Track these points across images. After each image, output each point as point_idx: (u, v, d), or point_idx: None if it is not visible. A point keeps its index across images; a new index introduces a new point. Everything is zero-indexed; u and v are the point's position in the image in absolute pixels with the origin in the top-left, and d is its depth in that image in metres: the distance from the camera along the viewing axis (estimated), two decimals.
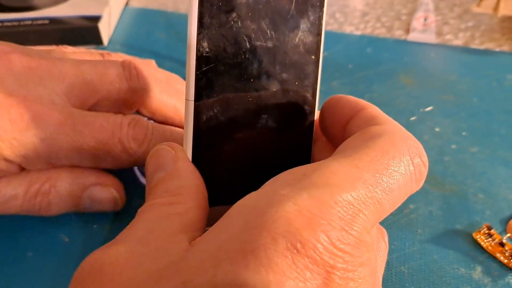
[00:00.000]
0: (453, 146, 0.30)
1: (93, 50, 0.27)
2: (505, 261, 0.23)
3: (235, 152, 0.19)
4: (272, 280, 0.12)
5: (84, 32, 0.39)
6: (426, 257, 0.23)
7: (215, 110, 0.19)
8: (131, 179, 0.27)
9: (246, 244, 0.12)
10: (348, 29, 0.43)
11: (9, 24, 0.38)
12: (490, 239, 0.24)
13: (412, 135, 0.17)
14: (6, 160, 0.20)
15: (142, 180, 0.26)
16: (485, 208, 0.26)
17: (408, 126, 0.32)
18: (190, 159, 0.18)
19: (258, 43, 0.19)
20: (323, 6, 0.20)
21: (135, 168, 0.27)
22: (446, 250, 0.24)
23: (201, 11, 0.18)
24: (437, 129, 0.32)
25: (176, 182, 0.17)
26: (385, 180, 0.15)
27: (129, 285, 0.13)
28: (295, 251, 0.12)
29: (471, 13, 0.46)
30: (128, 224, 0.25)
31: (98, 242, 0.24)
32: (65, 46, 0.27)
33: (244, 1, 0.19)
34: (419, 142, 0.17)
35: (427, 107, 0.34)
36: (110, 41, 0.41)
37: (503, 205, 0.26)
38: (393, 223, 0.25)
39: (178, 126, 0.25)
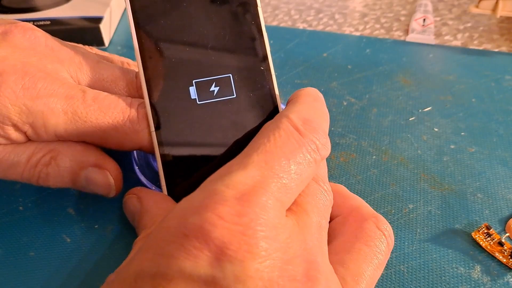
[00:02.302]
0: (452, 146, 0.30)
1: (115, 56, 0.27)
2: (504, 260, 0.23)
3: (204, 170, 0.21)
4: (162, 264, 0.13)
5: (85, 33, 0.39)
6: (425, 257, 0.23)
7: (175, 136, 0.20)
8: (132, 179, 0.27)
9: (152, 242, 0.15)
10: (347, 30, 0.43)
11: None
12: (489, 238, 0.24)
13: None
14: (14, 126, 0.21)
15: (143, 179, 0.27)
16: (484, 208, 0.26)
17: (407, 126, 0.32)
18: (165, 181, 0.20)
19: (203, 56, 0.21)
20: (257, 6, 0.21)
21: (136, 168, 0.27)
22: (445, 249, 0.24)
23: (142, 52, 0.21)
24: (436, 129, 0.32)
25: (146, 217, 0.20)
26: (274, 157, 0.16)
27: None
28: (182, 236, 0.14)
29: (469, 14, 0.46)
30: (128, 224, 0.25)
31: (99, 242, 0.24)
32: (90, 47, 0.28)
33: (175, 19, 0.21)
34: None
35: (426, 107, 0.34)
36: (111, 42, 0.41)
37: (502, 205, 0.26)
38: (392, 223, 0.25)
39: None
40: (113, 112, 0.21)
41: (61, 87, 0.21)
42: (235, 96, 0.21)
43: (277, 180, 0.16)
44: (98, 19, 0.39)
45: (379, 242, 0.18)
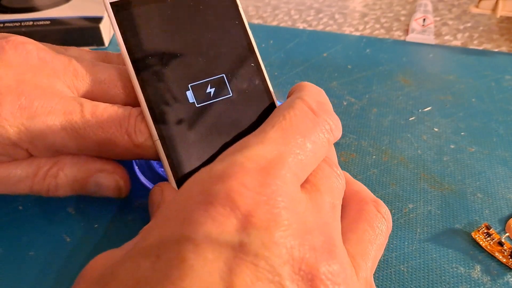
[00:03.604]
0: (452, 146, 0.30)
1: (115, 55, 0.27)
2: (504, 260, 0.23)
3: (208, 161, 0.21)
4: (188, 231, 0.14)
5: (85, 32, 0.39)
6: (425, 256, 0.23)
7: (179, 141, 0.21)
8: (132, 179, 0.27)
9: (173, 211, 0.15)
10: (347, 30, 0.43)
11: (10, 25, 0.38)
12: (489, 238, 0.24)
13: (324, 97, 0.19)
14: (15, 145, 0.21)
15: (143, 179, 0.27)
16: (483, 208, 0.26)
17: (407, 126, 0.32)
18: (176, 185, 0.20)
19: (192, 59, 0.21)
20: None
21: (136, 168, 0.27)
22: (445, 249, 0.24)
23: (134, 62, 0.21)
24: (435, 129, 0.32)
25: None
26: (290, 134, 0.17)
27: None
28: (209, 203, 0.14)
29: (469, 14, 0.46)
30: (128, 223, 0.25)
31: (99, 242, 0.24)
32: (86, 49, 0.28)
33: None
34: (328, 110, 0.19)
35: (426, 107, 0.34)
36: (111, 42, 0.41)
37: (502, 205, 0.26)
38: (392, 222, 0.25)
39: None
40: (111, 127, 0.21)
41: (58, 103, 0.21)
42: (231, 95, 0.21)
43: (294, 155, 0.16)
44: (98, 19, 0.39)
45: (380, 224, 0.19)
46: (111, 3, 0.21)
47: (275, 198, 0.14)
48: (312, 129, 0.18)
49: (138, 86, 0.21)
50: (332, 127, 0.18)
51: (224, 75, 0.21)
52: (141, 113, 0.22)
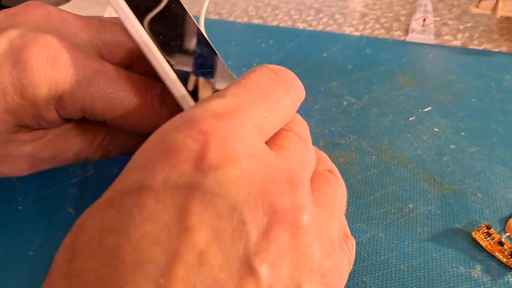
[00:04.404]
0: (452, 146, 0.30)
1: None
2: (504, 260, 0.23)
3: None
4: (145, 177, 0.14)
5: None
6: (425, 256, 0.23)
7: None
8: None
9: (134, 160, 0.15)
10: (347, 30, 0.43)
11: None
12: (489, 238, 0.24)
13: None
14: (46, 103, 0.20)
15: None
16: (484, 207, 0.26)
17: (407, 126, 0.32)
18: None
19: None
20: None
21: None
22: (445, 249, 0.24)
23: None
24: (435, 129, 0.32)
25: None
26: (250, 89, 0.17)
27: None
28: (166, 150, 0.14)
29: (469, 14, 0.46)
30: None
31: None
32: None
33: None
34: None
35: (426, 107, 0.34)
36: None
37: (502, 204, 0.26)
38: (392, 222, 0.25)
39: None
40: (137, 91, 0.21)
41: (87, 58, 0.20)
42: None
43: (254, 107, 0.16)
44: None
45: (337, 186, 0.19)
46: None
47: (232, 140, 0.14)
48: (273, 86, 0.17)
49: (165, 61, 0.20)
50: (294, 86, 0.18)
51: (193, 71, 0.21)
52: (165, 88, 0.22)
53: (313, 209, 0.15)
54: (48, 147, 0.22)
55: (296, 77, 0.19)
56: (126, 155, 0.24)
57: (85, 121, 0.23)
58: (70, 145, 0.23)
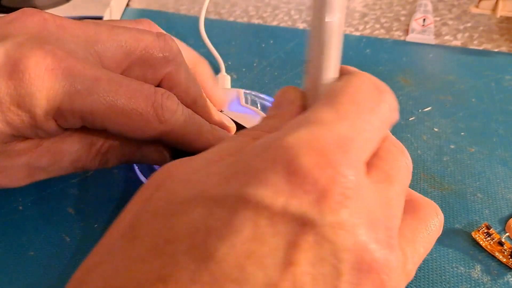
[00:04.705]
0: (452, 146, 0.30)
1: (127, 20, 0.27)
2: (504, 260, 0.23)
3: None
4: (267, 195, 0.13)
5: None
6: (425, 256, 0.23)
7: None
8: (132, 179, 0.27)
9: (250, 167, 0.14)
10: (347, 30, 0.43)
11: None
12: (489, 238, 0.24)
13: (383, 83, 0.18)
14: (45, 113, 0.20)
15: (143, 179, 0.27)
16: (483, 208, 0.26)
17: (407, 126, 0.32)
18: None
19: None
20: None
21: (135, 166, 0.27)
22: (445, 249, 0.24)
23: None
24: (435, 129, 0.32)
25: (271, 122, 0.18)
26: (366, 111, 0.16)
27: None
28: (292, 173, 0.13)
29: (469, 14, 0.46)
30: None
31: (98, 241, 0.24)
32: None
33: None
34: (377, 79, 0.18)
35: (426, 107, 0.34)
36: None
37: (502, 205, 0.26)
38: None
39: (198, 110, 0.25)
40: (138, 98, 0.21)
41: (85, 68, 0.20)
42: None
43: (367, 137, 0.15)
44: (98, 19, 0.39)
45: (434, 226, 0.18)
46: None
47: (349, 179, 0.14)
48: (379, 105, 0.17)
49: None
50: (394, 106, 0.18)
51: None
52: (166, 91, 0.22)
53: (399, 265, 0.15)
54: (44, 157, 0.22)
55: (394, 95, 0.18)
56: (124, 163, 0.24)
57: (82, 129, 0.22)
58: (67, 154, 0.22)
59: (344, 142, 0.14)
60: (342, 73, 0.19)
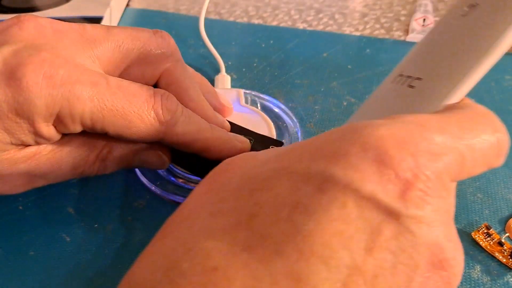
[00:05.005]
0: None
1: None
2: (504, 260, 0.23)
3: None
4: (356, 178, 0.13)
5: None
6: None
7: None
8: (132, 179, 0.27)
9: (339, 149, 0.14)
10: (347, 30, 0.43)
11: None
12: (489, 238, 0.24)
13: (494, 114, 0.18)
14: (44, 120, 0.20)
15: (143, 179, 0.27)
16: (483, 208, 0.26)
17: None
18: None
19: None
20: None
21: (136, 168, 0.27)
22: None
23: None
24: None
25: None
26: (469, 137, 0.16)
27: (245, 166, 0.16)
28: (381, 162, 0.14)
29: None
30: (128, 223, 0.25)
31: (98, 241, 0.24)
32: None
33: None
34: (501, 123, 0.18)
35: None
36: None
37: (502, 205, 0.26)
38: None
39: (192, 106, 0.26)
40: (137, 101, 0.21)
41: (83, 73, 0.20)
42: None
43: (457, 154, 0.16)
44: (98, 19, 0.39)
45: None
46: None
47: (433, 182, 0.14)
48: (487, 142, 0.17)
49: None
50: (501, 152, 0.17)
51: None
52: (165, 93, 0.22)
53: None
54: (43, 165, 0.22)
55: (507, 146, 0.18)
56: (123, 168, 0.24)
57: (80, 136, 0.22)
58: (66, 161, 0.22)
59: (437, 152, 0.15)
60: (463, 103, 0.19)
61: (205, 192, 0.16)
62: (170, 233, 0.15)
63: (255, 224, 0.13)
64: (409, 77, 0.20)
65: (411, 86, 0.20)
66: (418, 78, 0.19)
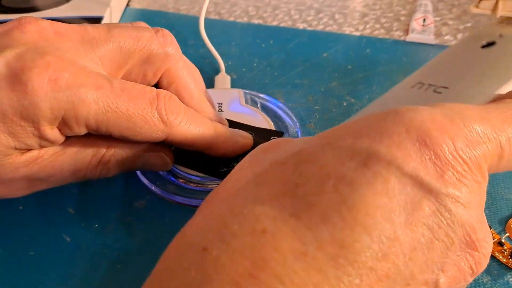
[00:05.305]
0: None
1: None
2: (504, 260, 0.23)
3: None
4: (399, 156, 0.14)
5: None
6: None
7: None
8: (132, 179, 0.27)
9: (383, 129, 0.15)
10: (347, 30, 0.43)
11: None
12: None
13: None
14: (49, 124, 0.20)
15: (143, 179, 0.27)
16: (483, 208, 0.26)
17: None
18: None
19: None
20: None
21: None
22: None
23: None
24: None
25: None
26: (510, 131, 0.17)
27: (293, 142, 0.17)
28: (423, 143, 0.15)
29: (469, 14, 0.46)
30: (128, 223, 0.25)
31: (99, 241, 0.24)
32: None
33: None
34: None
35: None
36: None
37: (502, 205, 0.26)
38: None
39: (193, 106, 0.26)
40: (141, 103, 0.21)
41: (88, 76, 0.20)
42: None
43: (496, 146, 0.16)
44: (98, 19, 0.39)
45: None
46: None
47: (476, 166, 0.15)
48: None
49: None
50: None
51: None
52: (168, 93, 0.22)
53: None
54: (45, 169, 0.22)
55: None
56: (125, 171, 0.24)
57: (83, 139, 0.22)
58: (67, 166, 0.22)
59: (475, 140, 0.16)
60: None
61: (247, 167, 0.17)
62: (216, 202, 0.16)
63: (301, 193, 0.14)
64: (431, 85, 0.21)
65: (438, 92, 0.21)
66: (444, 87, 0.21)
